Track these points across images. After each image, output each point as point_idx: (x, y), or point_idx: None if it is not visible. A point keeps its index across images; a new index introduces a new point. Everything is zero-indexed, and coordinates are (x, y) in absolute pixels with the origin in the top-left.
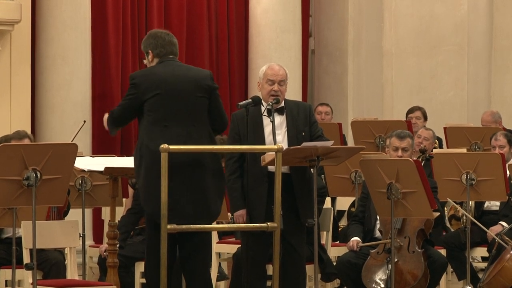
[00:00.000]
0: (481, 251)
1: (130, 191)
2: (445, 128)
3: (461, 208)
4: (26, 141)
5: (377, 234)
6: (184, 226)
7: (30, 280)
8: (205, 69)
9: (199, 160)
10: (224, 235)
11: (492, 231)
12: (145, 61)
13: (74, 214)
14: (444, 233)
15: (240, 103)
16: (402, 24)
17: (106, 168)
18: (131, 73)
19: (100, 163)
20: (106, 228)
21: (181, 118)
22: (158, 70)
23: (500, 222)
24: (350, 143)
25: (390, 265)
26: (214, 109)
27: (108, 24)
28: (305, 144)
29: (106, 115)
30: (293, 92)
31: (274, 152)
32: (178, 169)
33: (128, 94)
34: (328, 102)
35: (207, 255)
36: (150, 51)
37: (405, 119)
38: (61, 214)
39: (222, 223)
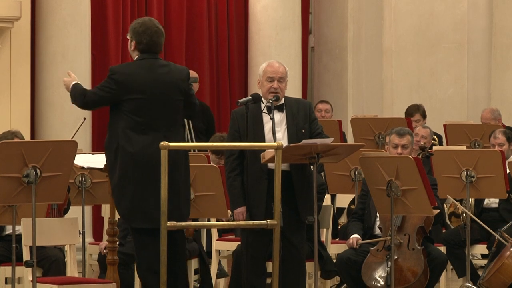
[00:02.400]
0: (481, 248)
1: None
2: (445, 126)
3: (461, 205)
4: (16, 141)
5: (377, 231)
6: (184, 224)
7: (30, 278)
8: (182, 66)
9: (176, 163)
10: (224, 233)
11: None
12: (128, 36)
13: (74, 211)
14: (444, 231)
15: (239, 101)
16: (402, 21)
17: (106, 165)
18: (111, 66)
19: (99, 160)
20: (105, 226)
21: (159, 123)
22: (140, 71)
23: None
24: (350, 140)
25: (390, 262)
26: (188, 104)
27: (108, 21)
28: (305, 141)
29: (68, 80)
30: (293, 90)
31: (273, 150)
32: (153, 169)
33: (106, 86)
34: (328, 99)
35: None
36: (134, 41)
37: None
38: (61, 211)
39: (222, 221)
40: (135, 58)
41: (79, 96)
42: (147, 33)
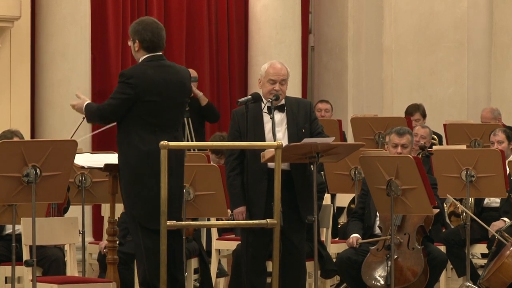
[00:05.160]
0: (481, 248)
1: None
2: (445, 125)
3: (461, 204)
4: (16, 140)
5: (377, 230)
6: (184, 223)
7: (30, 277)
8: (182, 66)
9: (181, 162)
10: (224, 232)
11: (494, 227)
12: (129, 43)
13: (74, 211)
14: (443, 230)
15: (240, 100)
16: (402, 20)
17: (106, 165)
18: (123, 70)
19: (99, 159)
20: (105, 225)
21: (170, 123)
22: (152, 73)
23: (503, 218)
24: (350, 139)
25: (389, 262)
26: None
27: (108, 21)
28: (305, 140)
29: (79, 103)
30: (293, 89)
31: (273, 149)
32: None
33: (122, 93)
34: (328, 99)
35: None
36: (137, 41)
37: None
38: (61, 210)
39: (222, 220)
40: (141, 60)
41: (94, 112)
42: (147, 29)
